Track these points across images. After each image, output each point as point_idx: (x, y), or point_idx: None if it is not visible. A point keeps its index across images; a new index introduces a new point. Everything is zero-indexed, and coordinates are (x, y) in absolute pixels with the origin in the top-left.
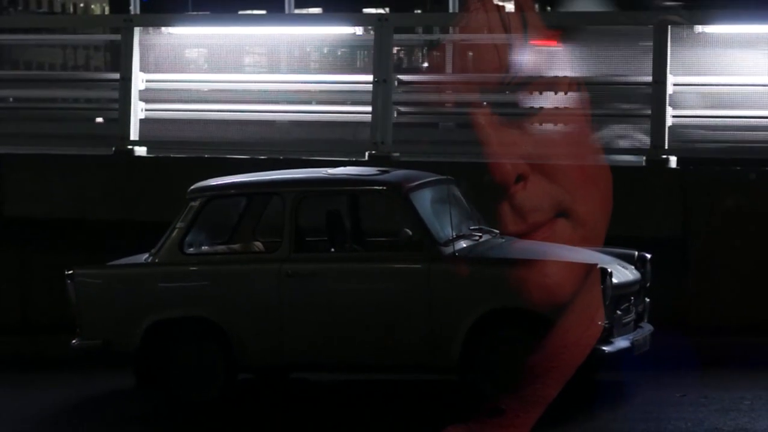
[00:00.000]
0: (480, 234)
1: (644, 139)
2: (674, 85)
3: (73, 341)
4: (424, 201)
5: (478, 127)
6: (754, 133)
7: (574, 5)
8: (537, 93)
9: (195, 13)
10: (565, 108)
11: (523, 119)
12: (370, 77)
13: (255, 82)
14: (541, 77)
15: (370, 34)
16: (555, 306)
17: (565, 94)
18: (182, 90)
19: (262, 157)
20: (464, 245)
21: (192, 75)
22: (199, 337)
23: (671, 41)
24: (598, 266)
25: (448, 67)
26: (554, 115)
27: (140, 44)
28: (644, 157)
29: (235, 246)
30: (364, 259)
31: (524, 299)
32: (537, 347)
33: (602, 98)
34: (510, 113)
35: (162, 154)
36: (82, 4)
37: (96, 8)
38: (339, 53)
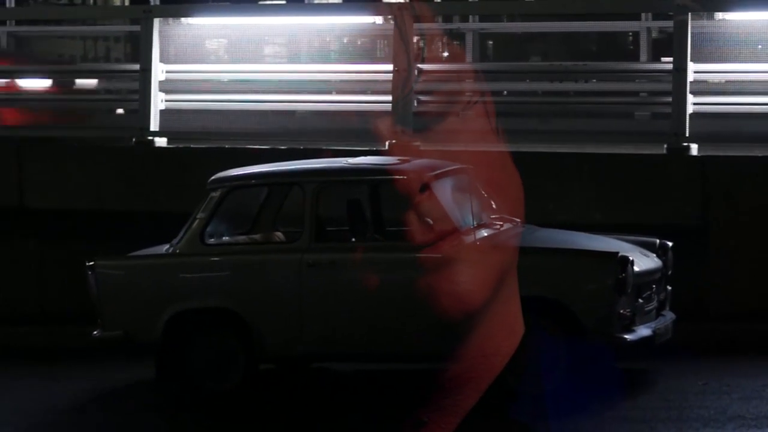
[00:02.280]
0: (501, 223)
1: (665, 127)
2: (695, 72)
3: (94, 332)
4: (444, 190)
5: (378, 134)
6: None
7: None
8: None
9: (214, 3)
10: (474, 106)
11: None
12: (390, 66)
13: (275, 72)
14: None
15: (390, 24)
16: (467, 314)
17: (473, 88)
18: (202, 80)
19: (283, 147)
20: (485, 234)
21: (212, 65)
22: (220, 327)
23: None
24: (619, 254)
25: (469, 56)
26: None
27: (160, 35)
28: (665, 145)
29: (256, 236)
30: (384, 249)
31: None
32: (455, 358)
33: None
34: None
35: (182, 145)
36: None
37: None
38: (359, 43)
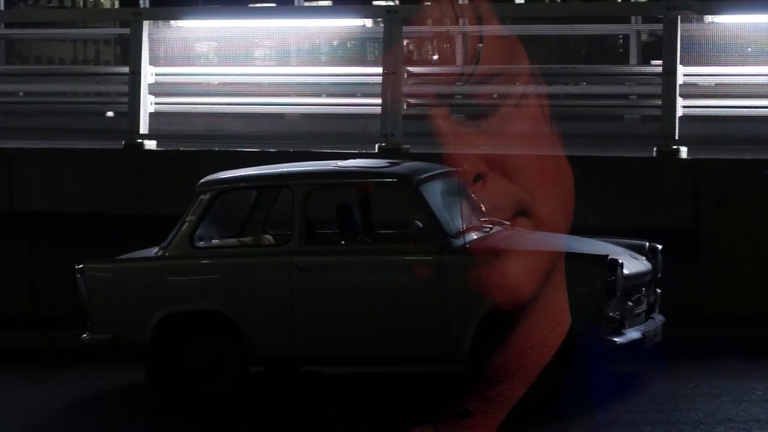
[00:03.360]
0: (490, 226)
1: (654, 130)
2: (684, 75)
3: (84, 335)
4: (434, 193)
5: (434, 125)
6: (765, 123)
7: None
8: (498, 86)
9: (204, 6)
10: (525, 101)
11: (483, 116)
12: (379, 69)
13: (264, 75)
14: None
15: (379, 26)
16: (517, 304)
17: (525, 85)
18: (192, 83)
19: (272, 150)
20: (475, 237)
21: (201, 68)
22: (210, 330)
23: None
24: (609, 257)
25: (458, 59)
26: (514, 109)
27: (149, 38)
28: (655, 148)
29: (246, 239)
30: (374, 252)
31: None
32: (501, 348)
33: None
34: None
35: (172, 148)
36: None
37: (105, 2)
38: (348, 45)
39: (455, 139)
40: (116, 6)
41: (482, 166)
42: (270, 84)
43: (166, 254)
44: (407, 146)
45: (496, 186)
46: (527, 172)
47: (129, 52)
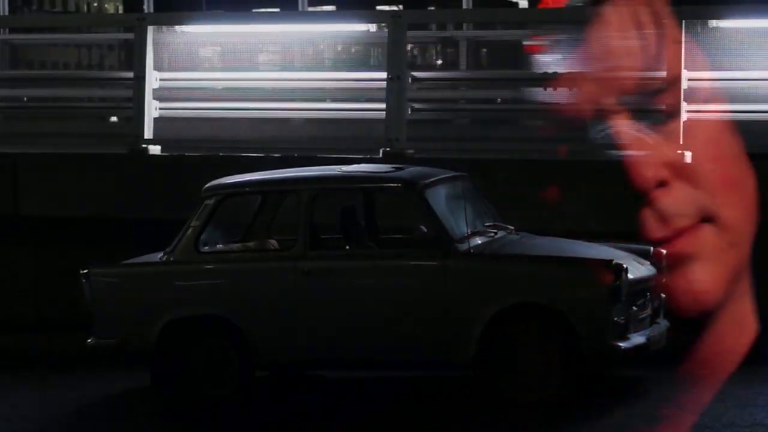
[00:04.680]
0: (495, 230)
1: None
2: (688, 80)
3: (89, 340)
4: (438, 198)
5: (619, 133)
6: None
7: None
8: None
9: (208, 11)
10: (706, 109)
11: (662, 123)
12: (383, 74)
13: (269, 80)
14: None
15: (383, 31)
16: (702, 311)
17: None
18: (196, 88)
19: (277, 155)
20: (479, 242)
21: (206, 73)
22: (215, 335)
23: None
24: (614, 262)
25: (462, 64)
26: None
27: (154, 43)
28: None
29: (250, 244)
30: (379, 257)
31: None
32: (690, 354)
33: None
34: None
35: (176, 153)
36: (95, 3)
37: (110, 7)
38: (353, 50)
39: (639, 143)
40: (120, 11)
41: (665, 172)
42: (274, 89)
43: (171, 259)
44: (411, 151)
45: (679, 192)
46: (710, 179)
47: (133, 57)
